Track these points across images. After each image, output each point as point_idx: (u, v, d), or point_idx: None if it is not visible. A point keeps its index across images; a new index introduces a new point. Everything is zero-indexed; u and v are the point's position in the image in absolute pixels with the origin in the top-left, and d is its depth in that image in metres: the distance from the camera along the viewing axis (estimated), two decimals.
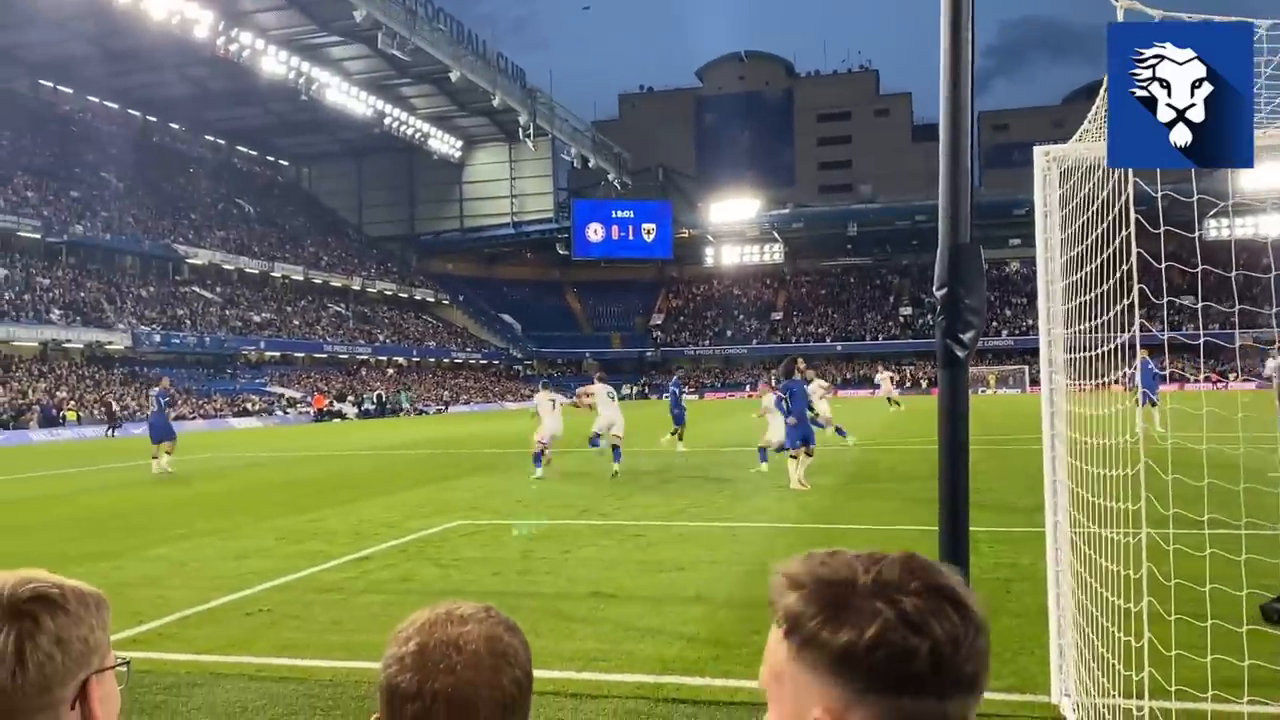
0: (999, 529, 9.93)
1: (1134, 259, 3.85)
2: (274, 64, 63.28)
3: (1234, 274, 4.20)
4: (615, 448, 17.62)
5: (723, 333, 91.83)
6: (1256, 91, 3.80)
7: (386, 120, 77.36)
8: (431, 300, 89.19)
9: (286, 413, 56.50)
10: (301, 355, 68.88)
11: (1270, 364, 26.68)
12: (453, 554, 10.03)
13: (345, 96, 70.92)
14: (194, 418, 46.89)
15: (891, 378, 43.08)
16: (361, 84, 71.61)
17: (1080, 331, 4.75)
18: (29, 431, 41.20)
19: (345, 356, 71.08)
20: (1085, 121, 4.54)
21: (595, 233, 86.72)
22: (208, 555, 10.26)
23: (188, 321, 60.20)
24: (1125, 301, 4.02)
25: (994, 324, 78.12)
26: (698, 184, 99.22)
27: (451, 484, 16.98)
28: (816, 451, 15.79)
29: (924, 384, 73.86)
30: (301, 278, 74.93)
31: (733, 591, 7.91)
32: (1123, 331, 4.18)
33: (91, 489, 18.48)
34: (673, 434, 22.75)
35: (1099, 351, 4.58)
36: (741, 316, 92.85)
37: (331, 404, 58.29)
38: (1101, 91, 3.66)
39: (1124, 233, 3.91)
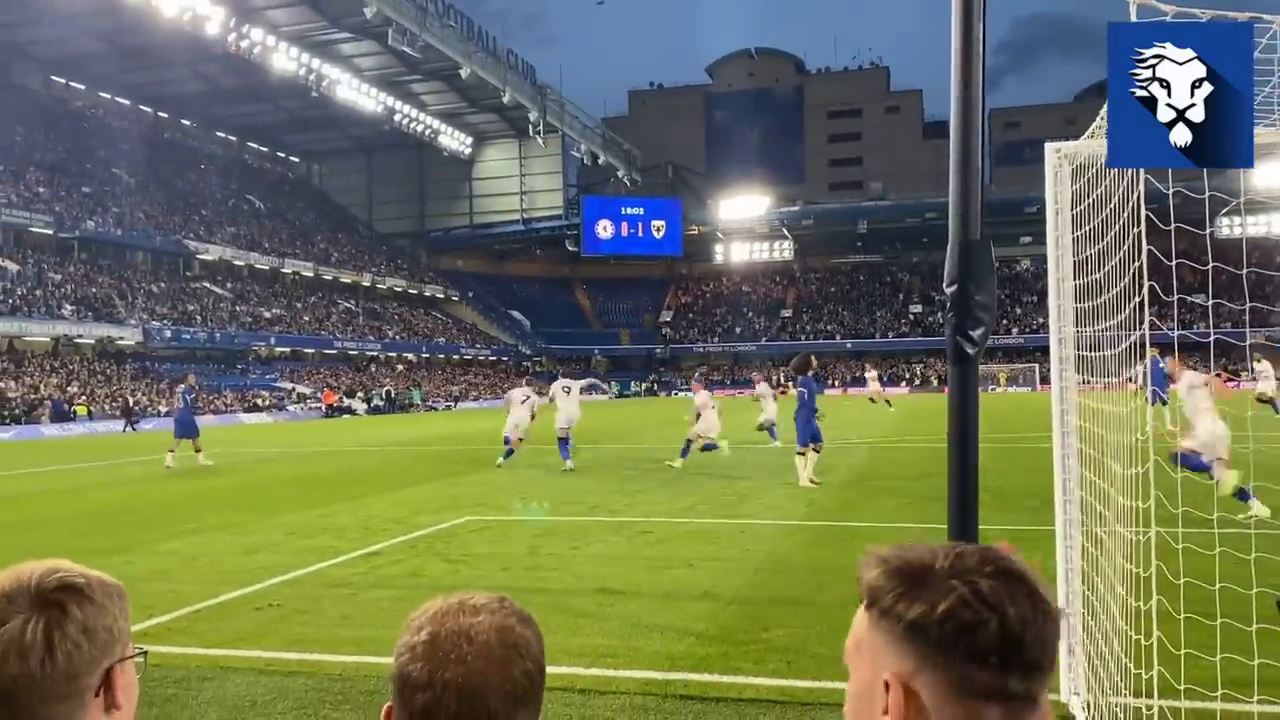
0: (1008, 527, 9.90)
1: (1144, 256, 3.84)
2: (285, 60, 63.42)
3: (1245, 271, 4.19)
4: (562, 440, 18.41)
5: (732, 330, 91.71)
6: (1270, 89, 3.79)
7: (397, 117, 77.46)
8: (441, 297, 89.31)
9: (294, 409, 56.66)
10: (312, 351, 69.08)
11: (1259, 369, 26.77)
12: (461, 549, 10.06)
13: (356, 93, 71.03)
14: (204, 413, 46.97)
15: (879, 376, 42.70)
16: (372, 80, 71.72)
17: (1091, 330, 4.73)
18: (41, 426, 41.42)
19: (355, 352, 71.25)
20: (1097, 119, 4.52)
21: (605, 229, 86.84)
22: (218, 550, 10.30)
23: (198, 317, 60.40)
24: (1136, 299, 4.01)
25: (1004, 322, 77.89)
26: (707, 181, 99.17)
27: (460, 480, 17.02)
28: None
29: (934, 382, 73.76)
30: (312, 274, 75.11)
31: (741, 588, 7.92)
32: (1133, 330, 4.17)
33: (103, 484, 18.57)
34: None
35: (1110, 351, 4.56)
36: (751, 314, 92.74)
37: (341, 400, 58.44)
38: None
39: (1135, 230, 3.90)
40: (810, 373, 15.63)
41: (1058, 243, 5.05)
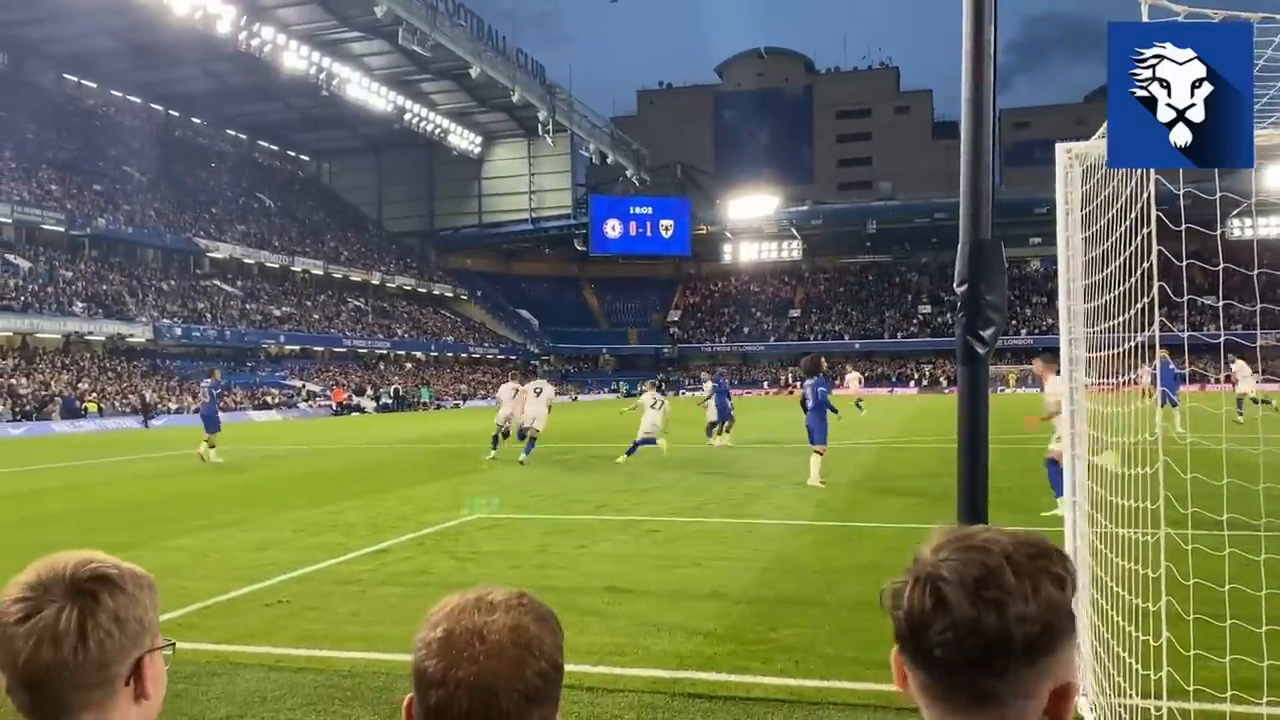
0: (1017, 528, 9.88)
1: (1154, 257, 3.84)
2: (295, 59, 63.57)
3: (1256, 272, 4.18)
4: (524, 435, 19.78)
5: (740, 329, 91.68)
6: None
7: (406, 116, 77.57)
8: (450, 295, 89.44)
9: (304, 406, 56.80)
10: (321, 349, 69.28)
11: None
12: (470, 547, 10.08)
13: (366, 92, 71.16)
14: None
15: (859, 378, 42.38)
16: (382, 79, 71.85)
17: (1101, 331, 4.73)
18: (52, 423, 41.61)
19: (364, 351, 71.42)
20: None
21: (613, 229, 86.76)
22: (228, 547, 10.35)
23: (208, 315, 60.59)
24: (1145, 300, 4.00)
25: (1014, 323, 77.66)
26: (716, 181, 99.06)
27: (468, 478, 17.04)
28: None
29: (943, 383, 73.60)
30: (321, 272, 75.31)
31: (749, 588, 7.92)
32: (1142, 331, 4.16)
33: (114, 480, 18.65)
34: (722, 430, 22.88)
35: (1119, 351, 4.56)
36: (759, 313, 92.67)
37: (350, 398, 58.59)
38: None
39: (1145, 230, 3.89)
40: (820, 374, 15.69)
41: (1068, 243, 5.04)
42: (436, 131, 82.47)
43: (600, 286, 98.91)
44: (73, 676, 1.20)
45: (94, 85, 73.69)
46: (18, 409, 42.29)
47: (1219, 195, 3.93)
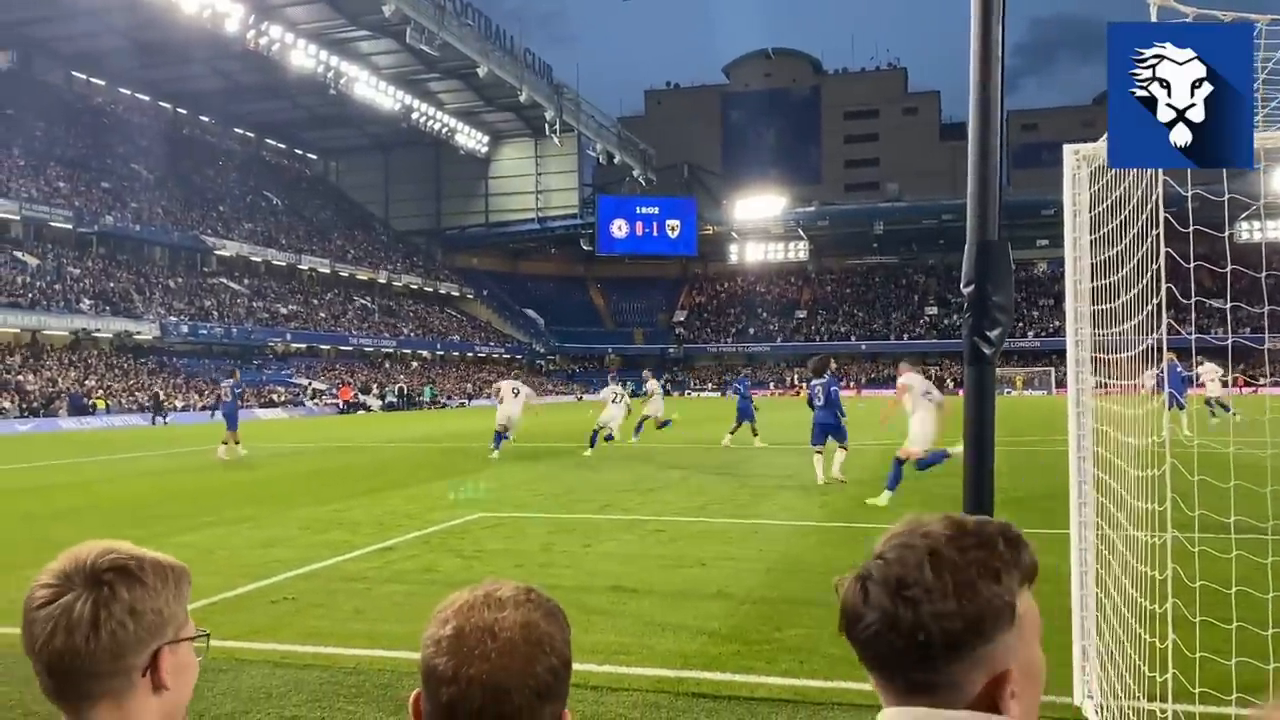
0: (1023, 530, 9.87)
1: (1162, 259, 3.83)
2: (303, 58, 63.72)
3: (1264, 275, 4.17)
4: (499, 434, 20.33)
5: (746, 330, 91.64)
6: None
7: (414, 115, 77.70)
8: (456, 294, 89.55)
9: (310, 404, 56.88)
10: (327, 348, 69.41)
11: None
12: (475, 546, 10.09)
13: (373, 91, 71.28)
14: (219, 407, 47.20)
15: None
16: (389, 79, 71.96)
17: (1108, 333, 4.72)
18: (59, 420, 41.72)
19: (370, 349, 71.54)
20: None
21: (620, 229, 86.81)
22: (235, 543, 10.37)
23: (215, 313, 60.73)
24: (1154, 302, 4.00)
25: (1020, 325, 77.51)
26: (723, 181, 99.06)
27: (474, 477, 17.05)
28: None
29: (950, 384, 73.49)
30: (328, 270, 75.45)
31: (754, 588, 7.92)
32: (1150, 333, 4.15)
33: (120, 477, 18.71)
34: (733, 431, 22.95)
35: (1126, 354, 4.55)
36: (765, 314, 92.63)
37: (356, 396, 58.68)
38: None
39: (1154, 232, 3.89)
40: (830, 373, 15.85)
41: (1075, 245, 5.03)
42: (444, 131, 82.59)
43: (606, 286, 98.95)
44: (86, 665, 1.21)
45: (102, 83, 73.92)
46: (25, 406, 42.42)
47: (1227, 197, 3.92)
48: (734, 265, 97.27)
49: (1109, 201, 4.58)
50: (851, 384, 72.98)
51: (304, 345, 67.66)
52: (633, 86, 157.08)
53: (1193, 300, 3.74)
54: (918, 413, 13.17)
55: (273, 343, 64.76)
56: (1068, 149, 5.13)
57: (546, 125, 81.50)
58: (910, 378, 13.59)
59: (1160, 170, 3.74)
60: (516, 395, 20.93)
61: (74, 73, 71.81)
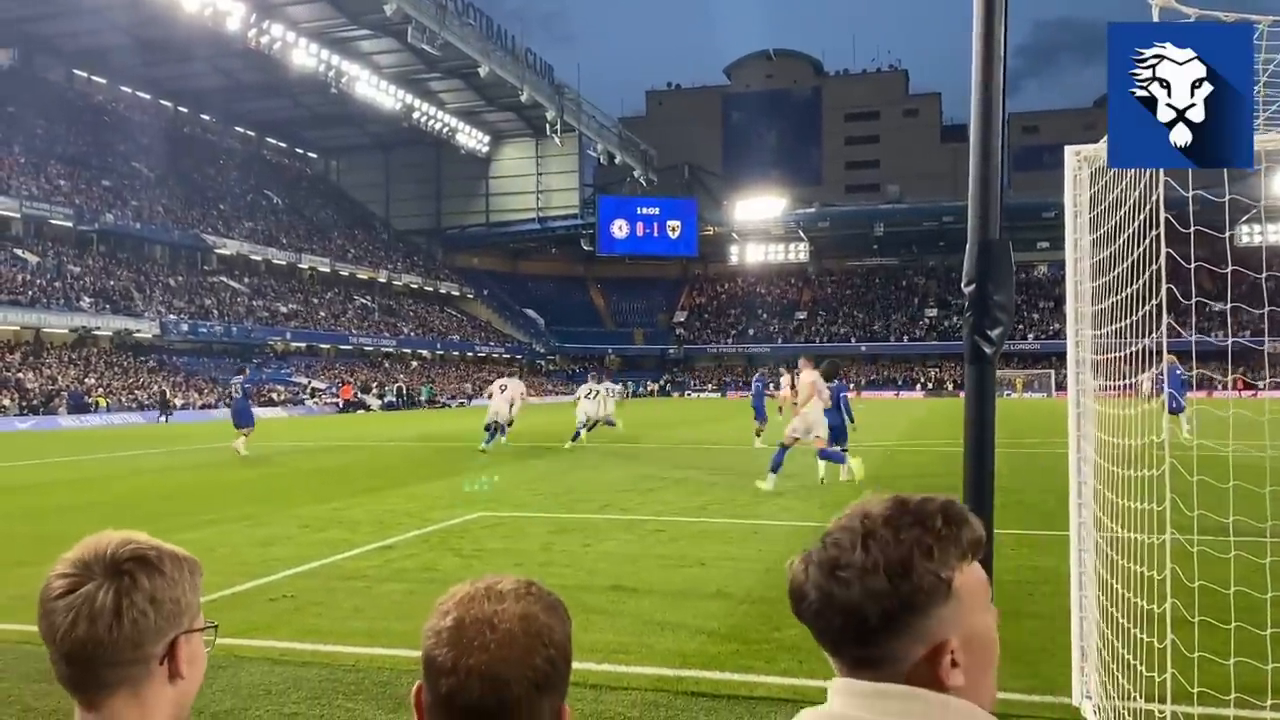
0: (1022, 531, 9.89)
1: (1162, 260, 3.83)
2: (304, 57, 63.74)
3: (1264, 277, 4.18)
4: (490, 428, 21.24)
5: (746, 331, 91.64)
6: None
7: (415, 114, 77.70)
8: (456, 294, 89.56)
9: (310, 403, 56.89)
10: (327, 347, 69.41)
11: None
12: (475, 545, 10.09)
13: (374, 90, 71.30)
14: (219, 406, 47.32)
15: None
16: (390, 78, 71.97)
17: (1107, 334, 4.72)
18: (58, 417, 41.72)
19: (370, 348, 71.54)
20: None
21: (620, 229, 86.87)
22: (234, 541, 10.37)
23: (215, 311, 60.73)
24: (1153, 303, 4.00)
25: (1020, 327, 77.52)
26: (724, 182, 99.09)
27: (473, 476, 17.05)
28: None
29: (949, 386, 73.50)
30: (328, 269, 75.46)
31: (754, 588, 7.92)
32: (1150, 335, 4.16)
33: (121, 474, 18.70)
34: (759, 432, 23.03)
35: (1126, 354, 4.55)
36: (765, 315, 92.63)
37: (357, 395, 58.70)
38: None
39: (1154, 233, 3.89)
40: (839, 378, 16.17)
41: (1076, 246, 5.04)
42: (445, 130, 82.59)
43: (607, 287, 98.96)
44: (107, 654, 1.23)
45: (103, 81, 73.95)
46: (24, 403, 42.42)
47: (1228, 199, 3.93)
48: (734, 266, 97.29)
49: (1109, 202, 4.59)
50: (851, 386, 72.99)
51: (304, 344, 67.66)
52: (634, 87, 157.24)
53: (1193, 301, 3.75)
54: (809, 405, 14.33)
55: (273, 341, 64.77)
56: (1069, 150, 5.14)
57: (547, 125, 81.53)
58: (814, 373, 14.69)
59: (1161, 171, 3.75)
60: (504, 391, 21.72)
61: (75, 70, 71.83)
